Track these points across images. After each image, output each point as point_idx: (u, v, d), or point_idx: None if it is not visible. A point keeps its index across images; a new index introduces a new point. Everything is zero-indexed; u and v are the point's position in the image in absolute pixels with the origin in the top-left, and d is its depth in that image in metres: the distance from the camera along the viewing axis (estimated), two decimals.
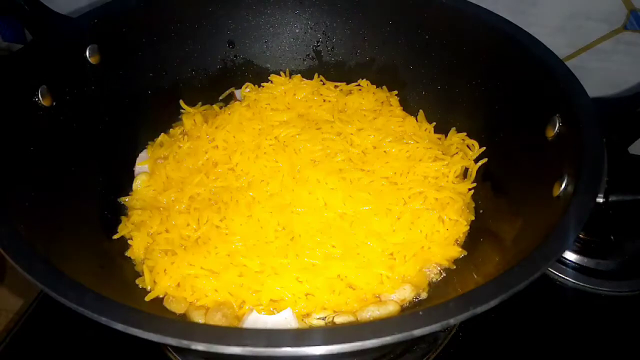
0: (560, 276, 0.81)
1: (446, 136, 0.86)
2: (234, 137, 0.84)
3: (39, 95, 0.68)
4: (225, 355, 0.40)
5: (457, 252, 0.72)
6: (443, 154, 0.82)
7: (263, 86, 0.95)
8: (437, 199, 0.76)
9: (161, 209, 0.76)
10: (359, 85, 0.94)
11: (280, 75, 0.96)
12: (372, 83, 0.94)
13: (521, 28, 0.73)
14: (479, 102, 0.81)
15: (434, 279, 0.71)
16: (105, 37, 0.78)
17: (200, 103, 0.93)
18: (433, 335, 0.72)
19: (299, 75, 0.95)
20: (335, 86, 0.94)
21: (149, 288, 0.67)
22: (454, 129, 0.85)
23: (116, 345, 0.71)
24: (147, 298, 0.66)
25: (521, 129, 0.72)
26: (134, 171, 0.83)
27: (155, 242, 0.72)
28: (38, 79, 0.68)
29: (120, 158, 0.82)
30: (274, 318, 0.63)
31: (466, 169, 0.81)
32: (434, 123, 0.88)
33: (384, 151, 0.82)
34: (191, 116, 0.88)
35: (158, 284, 0.66)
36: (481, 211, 0.76)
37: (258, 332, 0.42)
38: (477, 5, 0.79)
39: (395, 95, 0.92)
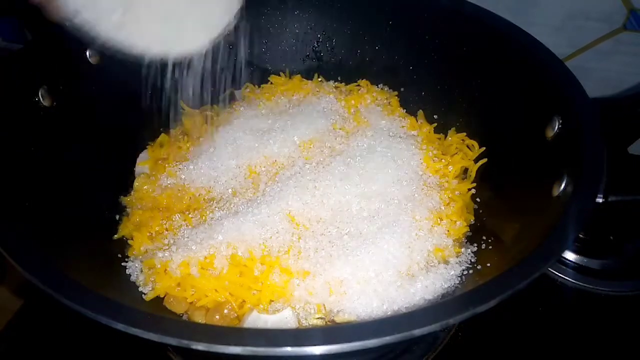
0: (560, 276, 0.81)
1: (446, 136, 0.86)
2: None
3: (39, 96, 0.68)
4: (225, 355, 0.41)
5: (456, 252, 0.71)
6: (443, 154, 0.82)
7: (263, 87, 0.95)
8: None
9: (161, 209, 0.76)
10: (359, 85, 0.94)
11: (280, 76, 0.96)
12: (372, 83, 0.94)
13: (521, 28, 0.73)
14: (478, 102, 0.81)
15: None
16: None
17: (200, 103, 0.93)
18: (433, 335, 0.72)
19: (299, 75, 0.95)
20: (336, 86, 0.94)
21: (149, 288, 0.67)
22: (454, 129, 0.85)
23: (116, 345, 0.71)
24: (147, 298, 0.66)
25: (521, 129, 0.72)
26: (134, 171, 0.83)
27: (155, 242, 0.71)
28: (38, 79, 0.68)
29: (120, 158, 0.82)
30: (274, 318, 0.63)
31: (466, 169, 0.81)
32: (435, 124, 0.88)
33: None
34: (191, 116, 0.88)
35: (158, 284, 0.66)
36: (481, 211, 0.76)
37: (258, 332, 0.42)
38: (477, 5, 0.79)
39: (395, 95, 0.92)
